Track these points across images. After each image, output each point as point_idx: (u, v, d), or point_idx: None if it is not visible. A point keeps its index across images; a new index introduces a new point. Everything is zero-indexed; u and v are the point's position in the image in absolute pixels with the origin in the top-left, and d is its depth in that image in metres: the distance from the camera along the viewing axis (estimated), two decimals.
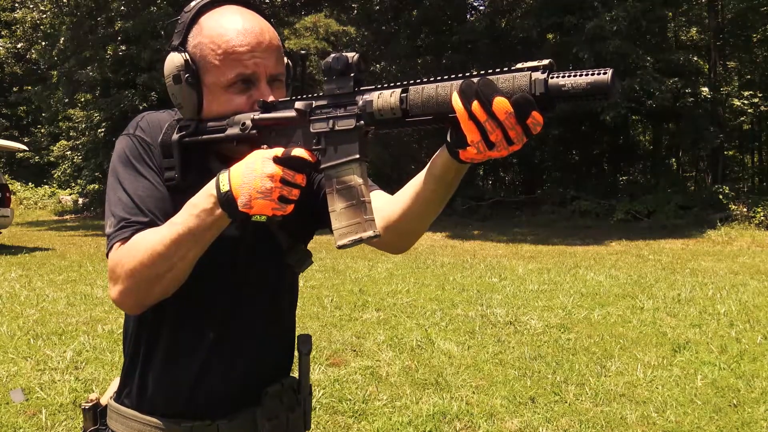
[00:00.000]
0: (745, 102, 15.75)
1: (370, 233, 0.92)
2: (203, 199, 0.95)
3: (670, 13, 17.14)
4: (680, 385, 3.80)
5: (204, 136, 1.06)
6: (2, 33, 27.16)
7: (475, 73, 0.85)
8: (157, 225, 1.02)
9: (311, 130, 0.98)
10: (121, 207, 1.04)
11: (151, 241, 0.97)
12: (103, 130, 18.77)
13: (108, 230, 1.04)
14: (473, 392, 3.69)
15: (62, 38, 18.49)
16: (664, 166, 19.47)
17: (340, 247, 0.93)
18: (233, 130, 1.03)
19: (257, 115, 1.02)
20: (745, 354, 4.37)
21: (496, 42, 17.75)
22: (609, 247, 11.25)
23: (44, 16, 19.61)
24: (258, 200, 0.90)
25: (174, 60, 1.07)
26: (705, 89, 14.80)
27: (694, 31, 19.83)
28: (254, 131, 1.02)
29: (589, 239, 12.24)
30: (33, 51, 22.00)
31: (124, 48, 18.05)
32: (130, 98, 17.37)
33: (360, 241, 0.92)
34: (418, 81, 0.89)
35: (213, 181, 0.95)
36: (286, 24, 16.56)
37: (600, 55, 13.79)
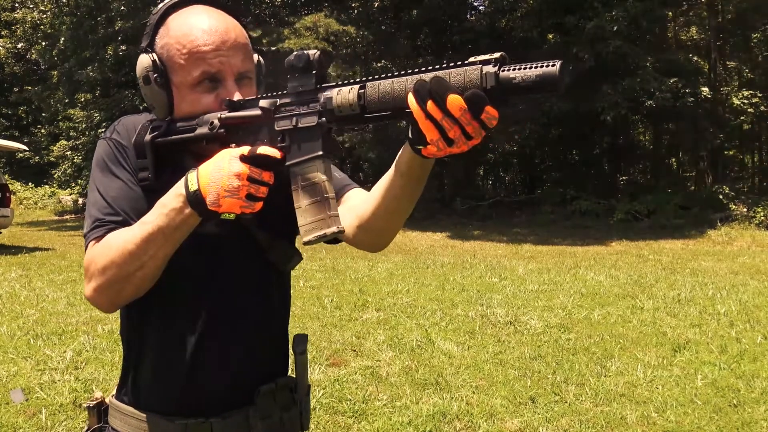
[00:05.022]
0: (745, 102, 15.74)
1: (333, 229, 0.93)
2: (172, 198, 0.96)
3: (670, 13, 17.13)
4: (680, 385, 3.80)
5: (175, 136, 1.08)
6: (2, 33, 27.17)
7: (429, 68, 0.85)
8: (130, 224, 1.03)
9: (276, 128, 0.99)
10: (96, 208, 1.06)
11: (122, 239, 0.99)
12: (103, 130, 18.72)
13: (84, 230, 1.07)
14: (473, 392, 3.69)
15: (62, 38, 18.51)
16: (664, 166, 19.47)
17: (306, 243, 0.95)
18: (202, 130, 1.05)
19: (224, 115, 1.03)
20: (745, 354, 4.37)
21: (496, 42, 17.74)
22: (609, 247, 11.25)
23: (44, 16, 19.64)
24: (226, 198, 0.91)
25: (142, 61, 1.09)
26: (705, 89, 14.79)
27: (694, 31, 19.83)
28: (222, 130, 1.03)
29: (589, 239, 12.23)
30: (33, 51, 22.02)
31: (124, 48, 18.06)
32: (131, 98, 17.39)
33: (324, 236, 0.93)
34: (375, 77, 0.90)
35: (182, 181, 0.96)
36: (286, 24, 16.56)
37: (600, 55, 13.79)
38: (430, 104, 0.81)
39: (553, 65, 0.77)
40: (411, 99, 0.83)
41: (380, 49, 18.73)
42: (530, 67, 0.78)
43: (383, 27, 19.87)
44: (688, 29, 19.84)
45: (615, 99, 13.60)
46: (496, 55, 0.81)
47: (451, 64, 0.83)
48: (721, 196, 14.41)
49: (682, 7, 17.81)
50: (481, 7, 20.20)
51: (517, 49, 17.37)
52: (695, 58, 15.94)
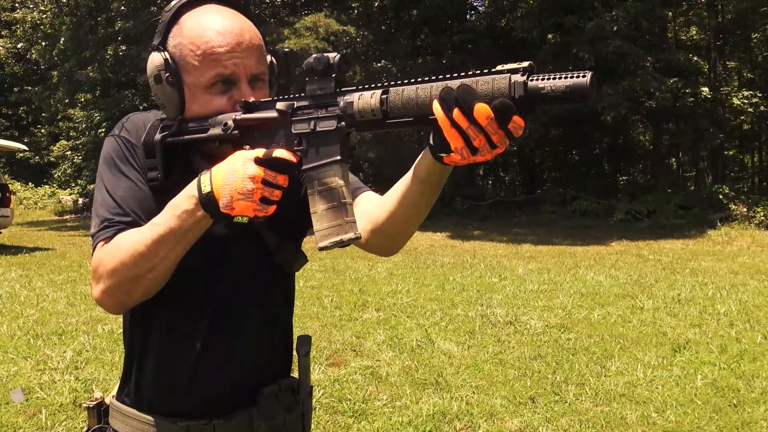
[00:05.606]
0: (745, 102, 15.75)
1: (351, 235, 0.92)
2: (184, 200, 0.95)
3: (670, 13, 17.12)
4: (680, 385, 3.80)
5: (186, 136, 1.06)
6: (2, 33, 27.17)
7: (455, 75, 0.84)
8: (140, 225, 1.02)
9: (293, 131, 0.97)
10: (105, 207, 1.04)
11: (132, 241, 0.98)
12: (103, 130, 18.78)
13: (92, 230, 1.05)
14: (473, 392, 3.69)
15: (62, 38, 18.52)
16: (664, 166, 19.46)
17: (321, 249, 0.93)
18: (215, 131, 1.03)
19: (239, 116, 1.01)
20: (745, 354, 4.37)
21: (496, 42, 17.74)
22: (609, 247, 11.25)
23: (44, 16, 19.66)
24: (239, 201, 0.90)
25: (154, 60, 1.07)
26: (705, 89, 14.79)
27: (694, 31, 19.83)
28: (236, 131, 1.01)
29: (589, 239, 12.23)
30: (33, 51, 22.02)
31: (124, 48, 18.07)
32: (131, 98, 17.41)
33: (341, 242, 0.92)
34: (399, 82, 0.89)
35: (194, 182, 0.95)
36: (286, 24, 16.55)
37: (600, 55, 13.78)
38: (456, 112, 0.80)
39: (583, 76, 0.76)
40: (436, 106, 0.82)
41: (380, 49, 18.72)
42: (560, 78, 0.77)
43: (383, 27, 19.87)
44: (688, 29, 19.84)
45: (615, 99, 13.59)
46: (525, 64, 0.80)
47: (478, 72, 0.82)
48: (721, 196, 14.40)
49: (682, 7, 17.80)
50: (481, 7, 20.22)
51: (517, 49, 17.38)
52: (695, 58, 15.92)
